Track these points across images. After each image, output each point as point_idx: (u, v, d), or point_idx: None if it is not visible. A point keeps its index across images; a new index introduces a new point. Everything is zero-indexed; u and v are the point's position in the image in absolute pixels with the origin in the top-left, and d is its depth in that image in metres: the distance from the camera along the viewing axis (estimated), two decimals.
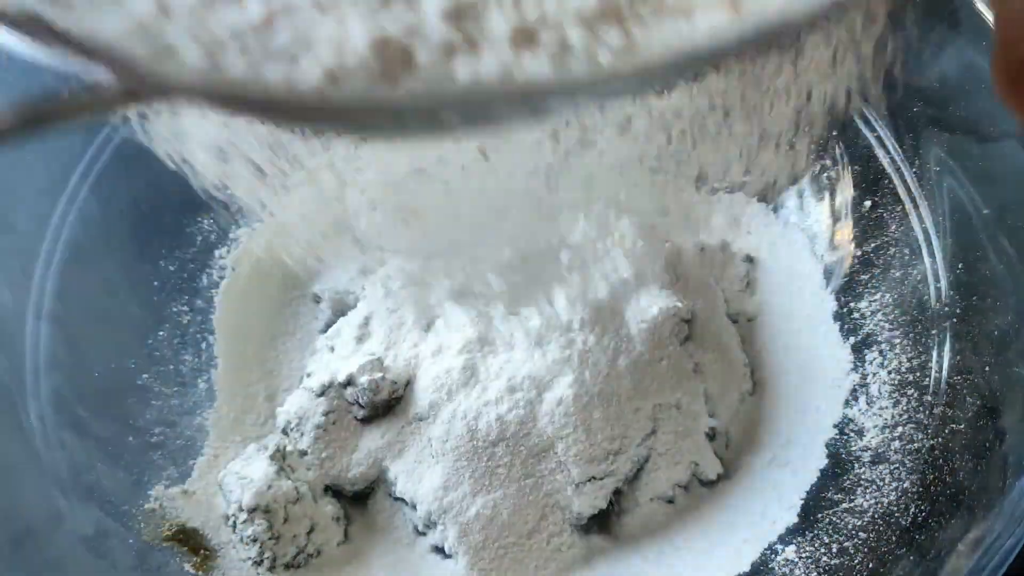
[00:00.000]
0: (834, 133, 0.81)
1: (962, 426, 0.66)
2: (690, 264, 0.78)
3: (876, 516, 0.66)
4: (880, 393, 0.72)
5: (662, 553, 0.70)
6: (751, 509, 0.71)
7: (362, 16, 0.30)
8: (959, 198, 0.72)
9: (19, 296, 0.72)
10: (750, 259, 0.84)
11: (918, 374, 0.71)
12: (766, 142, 0.49)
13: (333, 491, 0.73)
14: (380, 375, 0.71)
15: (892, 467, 0.68)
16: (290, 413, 0.73)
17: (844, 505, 0.68)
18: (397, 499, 0.72)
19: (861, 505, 0.67)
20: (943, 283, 0.72)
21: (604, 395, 0.70)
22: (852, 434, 0.72)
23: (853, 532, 0.66)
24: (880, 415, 0.71)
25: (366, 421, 0.72)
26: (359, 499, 0.74)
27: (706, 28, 0.29)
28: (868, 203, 0.79)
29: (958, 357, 0.69)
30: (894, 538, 0.64)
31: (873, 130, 0.78)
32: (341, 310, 0.81)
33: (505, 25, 0.30)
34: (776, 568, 0.67)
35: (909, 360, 0.72)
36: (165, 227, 0.80)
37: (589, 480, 0.70)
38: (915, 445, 0.68)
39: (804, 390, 0.76)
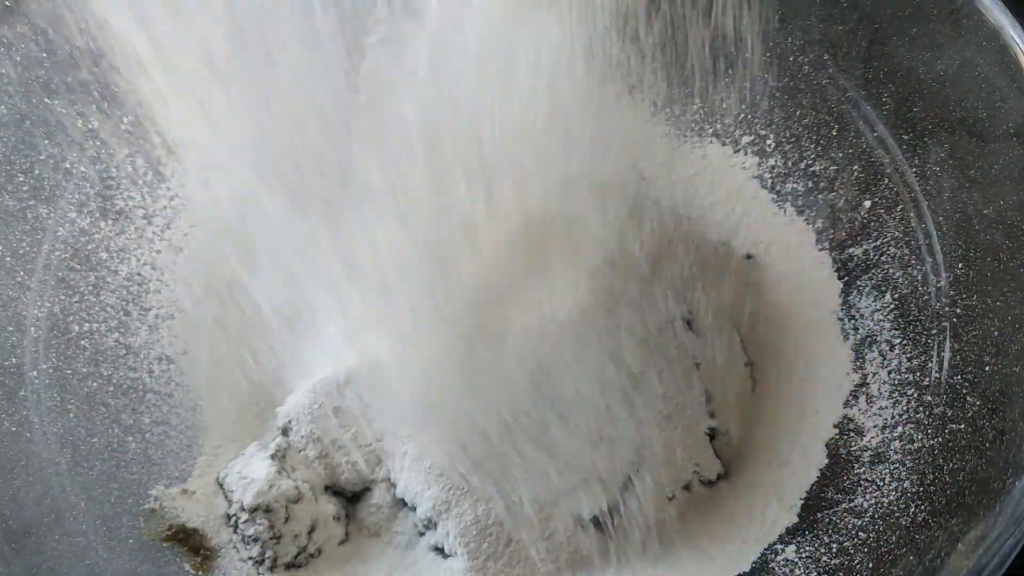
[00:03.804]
0: (834, 133, 0.81)
1: (962, 426, 0.66)
2: (690, 262, 0.78)
3: (876, 516, 0.66)
4: (880, 393, 0.73)
5: (662, 553, 0.70)
6: (751, 509, 0.71)
7: None
8: (959, 198, 0.72)
9: (19, 294, 0.72)
10: (750, 257, 0.84)
11: (918, 374, 0.71)
12: None
13: (333, 490, 0.73)
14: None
15: (892, 467, 0.68)
16: (290, 413, 0.73)
17: (844, 505, 0.68)
18: (397, 499, 0.72)
19: (861, 505, 0.67)
20: (943, 283, 0.72)
21: (603, 395, 0.70)
22: (852, 434, 0.72)
23: (853, 532, 0.66)
24: (880, 415, 0.71)
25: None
26: (359, 498, 0.74)
27: None
28: (868, 203, 0.79)
29: (958, 357, 0.69)
30: (894, 538, 0.64)
31: (873, 130, 0.78)
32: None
33: None
34: (776, 568, 0.67)
35: (909, 360, 0.72)
36: None
37: (589, 480, 0.70)
38: (915, 445, 0.68)
39: (804, 390, 0.76)
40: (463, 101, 0.70)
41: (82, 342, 0.73)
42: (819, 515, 0.69)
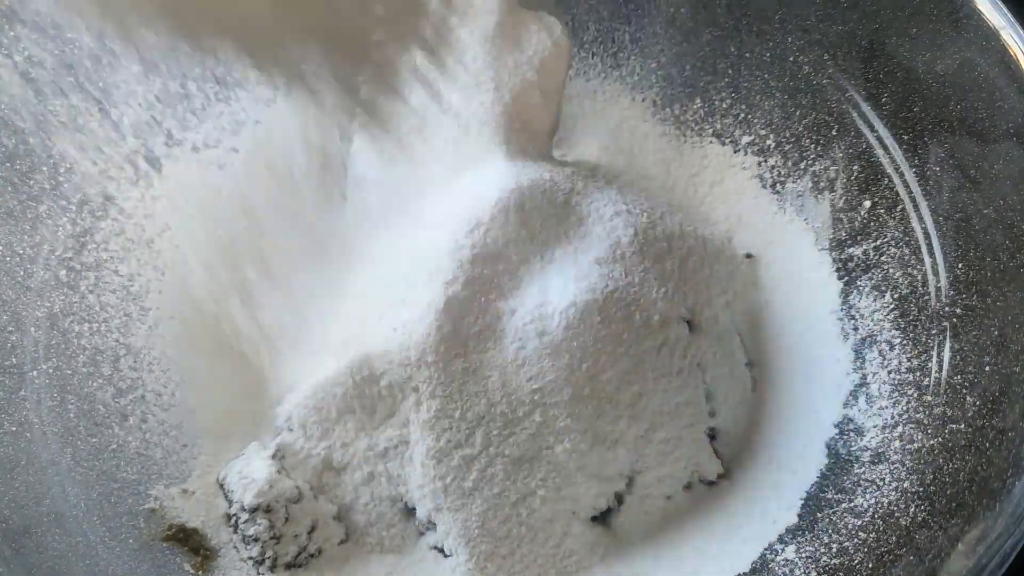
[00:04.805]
0: (834, 133, 0.81)
1: (962, 426, 0.66)
2: (690, 261, 0.78)
3: (876, 516, 0.66)
4: (880, 393, 0.73)
5: (662, 553, 0.70)
6: (751, 509, 0.71)
7: None
8: (959, 198, 0.73)
9: (19, 294, 0.72)
10: (750, 257, 0.84)
11: (918, 374, 0.71)
12: None
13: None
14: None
15: (892, 467, 0.68)
16: (290, 412, 0.73)
17: (844, 505, 0.68)
18: (398, 499, 0.72)
19: (861, 505, 0.67)
20: (943, 283, 0.72)
21: (603, 394, 0.70)
22: (852, 434, 0.72)
23: (853, 532, 0.66)
24: (880, 415, 0.71)
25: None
26: (359, 498, 0.74)
27: None
28: (868, 203, 0.79)
29: (958, 357, 0.69)
30: (894, 538, 0.64)
31: (873, 130, 0.78)
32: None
33: None
34: (776, 568, 0.67)
35: (909, 360, 0.72)
36: None
37: (589, 479, 0.70)
38: (915, 445, 0.68)
39: (804, 390, 0.76)
40: None
41: (82, 342, 0.73)
42: (819, 515, 0.69)
